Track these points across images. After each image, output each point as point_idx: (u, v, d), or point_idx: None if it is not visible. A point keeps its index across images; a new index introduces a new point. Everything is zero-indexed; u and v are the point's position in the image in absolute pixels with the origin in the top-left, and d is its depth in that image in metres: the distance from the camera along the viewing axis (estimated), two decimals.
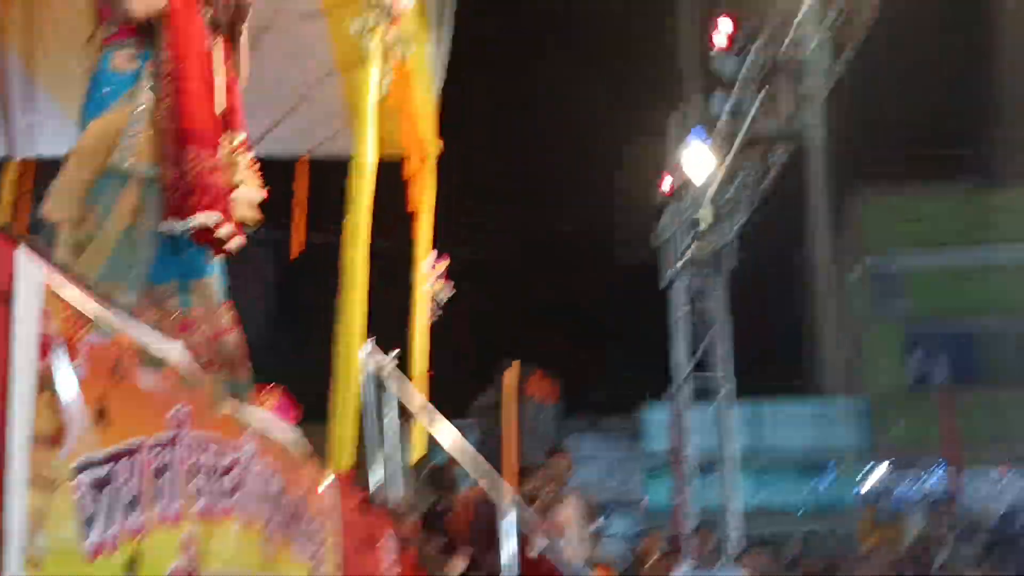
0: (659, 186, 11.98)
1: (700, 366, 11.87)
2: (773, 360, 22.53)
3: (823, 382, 24.39)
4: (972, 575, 9.63)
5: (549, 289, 25.40)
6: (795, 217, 25.71)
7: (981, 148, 22.06)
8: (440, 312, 6.39)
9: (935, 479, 17.75)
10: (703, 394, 12.13)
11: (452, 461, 5.59)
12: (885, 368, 21.83)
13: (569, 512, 7.13)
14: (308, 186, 6.53)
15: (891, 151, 22.78)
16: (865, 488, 20.00)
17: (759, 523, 18.92)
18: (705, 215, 10.80)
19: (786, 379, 22.98)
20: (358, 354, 4.09)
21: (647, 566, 8.64)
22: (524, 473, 6.41)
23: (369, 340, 4.25)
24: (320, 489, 3.15)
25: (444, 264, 6.55)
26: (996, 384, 20.72)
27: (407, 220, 6.31)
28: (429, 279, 6.28)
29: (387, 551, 3.68)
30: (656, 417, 20.26)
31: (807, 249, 26.24)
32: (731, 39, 9.24)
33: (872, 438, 21.30)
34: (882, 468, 19.66)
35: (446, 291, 6.52)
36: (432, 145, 6.36)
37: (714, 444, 12.04)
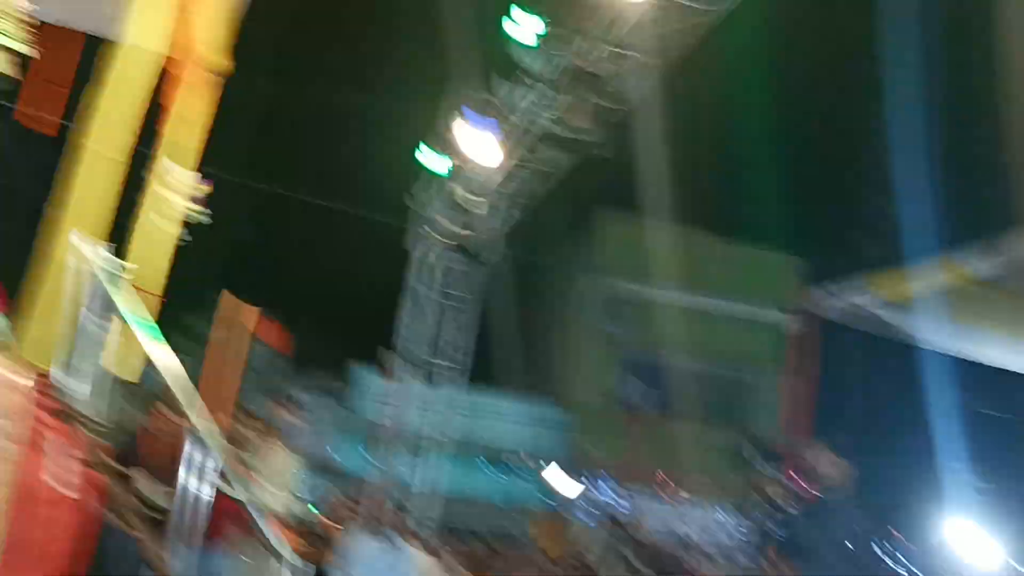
0: (436, 159, 11.83)
1: (432, 346, 11.92)
2: (494, 356, 23.11)
3: (537, 386, 25.30)
4: None
5: (296, 235, 24.78)
6: (551, 225, 26.49)
7: (739, 201, 23.62)
8: (185, 236, 6.08)
9: (621, 496, 18.85)
10: (427, 373, 12.16)
11: (165, 386, 5.31)
12: (597, 385, 22.98)
13: (277, 461, 7.01)
14: (77, 62, 6.03)
15: (653, 184, 23.89)
16: (555, 494, 20.90)
17: (447, 508, 19.36)
18: (480, 205, 10.83)
19: (502, 376, 23.62)
20: (77, 250, 3.80)
21: (329, 528, 8.61)
22: (239, 412, 6.21)
23: (96, 241, 3.95)
24: (16, 384, 2.89)
25: (206, 188, 6.23)
26: (693, 419, 22.40)
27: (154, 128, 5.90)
28: (185, 197, 5.95)
29: (72, 463, 3.44)
30: (370, 384, 20.27)
31: (554, 259, 27.14)
32: (539, 37, 9.23)
33: (571, 448, 22.33)
34: (574, 478, 20.61)
35: (200, 215, 6.20)
36: (218, 59, 6.02)
37: (418, 422, 12.08)
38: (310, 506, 11.64)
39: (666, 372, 23.28)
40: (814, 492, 5.66)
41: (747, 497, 5.78)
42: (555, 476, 21.39)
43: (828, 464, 5.57)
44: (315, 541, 8.23)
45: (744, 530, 5.79)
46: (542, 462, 22.08)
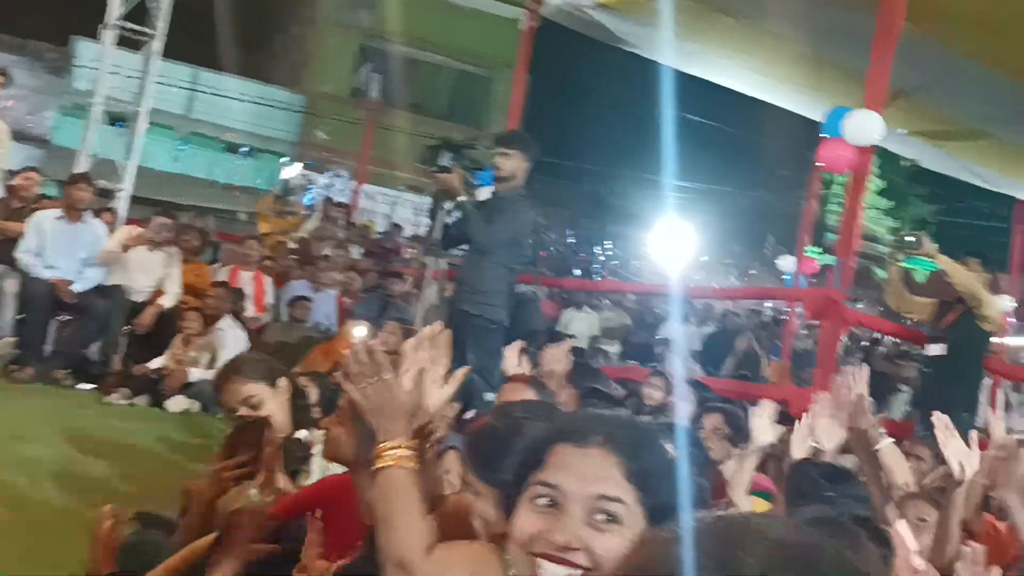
0: None
1: (139, 16, 10.93)
2: (228, 36, 21.91)
3: (270, 70, 24.36)
4: (343, 274, 10.58)
5: None
6: None
7: None
8: None
9: (343, 181, 19.02)
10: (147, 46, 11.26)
11: None
12: (332, 73, 22.35)
13: None
14: None
15: None
16: (282, 178, 20.77)
17: (170, 186, 18.85)
18: None
19: (234, 56, 22.51)
20: None
21: (22, 204, 8.21)
22: None
23: None
24: None
25: None
26: (421, 113, 22.57)
27: None
28: None
29: None
30: (86, 55, 18.81)
31: None
32: None
33: (301, 134, 22.00)
34: (300, 164, 20.49)
35: None
36: None
37: (136, 96, 11.32)
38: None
39: (404, 64, 22.97)
40: (500, 188, 5.82)
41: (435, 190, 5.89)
42: (285, 161, 21.22)
43: (513, 164, 5.71)
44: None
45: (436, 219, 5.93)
46: (271, 145, 21.72)
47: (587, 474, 1.44)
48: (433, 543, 1.79)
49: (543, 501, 1.45)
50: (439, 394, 2.15)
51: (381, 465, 1.86)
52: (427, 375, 2.08)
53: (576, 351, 10.20)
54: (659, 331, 12.20)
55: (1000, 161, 10.14)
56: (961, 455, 2.82)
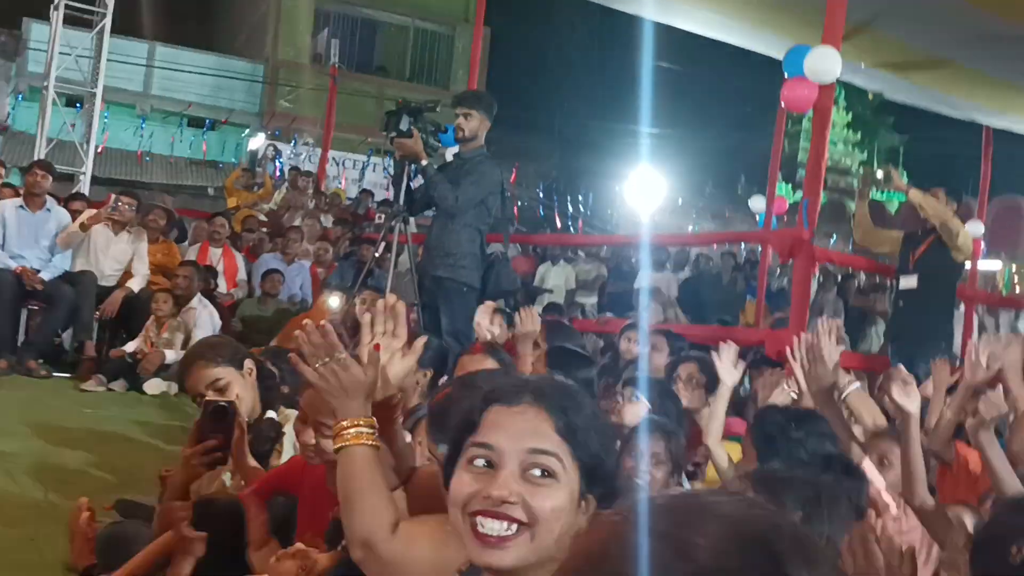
0: None
1: None
2: (180, 10, 21.56)
3: (227, 41, 23.95)
4: (315, 244, 10.52)
5: None
6: None
7: None
8: None
9: (310, 151, 18.80)
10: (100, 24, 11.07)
11: None
12: (290, 40, 21.98)
13: None
14: None
15: None
16: (248, 150, 20.52)
17: (133, 165, 18.64)
18: None
19: (190, 30, 22.14)
20: None
21: None
22: None
23: None
24: None
25: None
26: (384, 75, 22.32)
27: None
28: None
29: None
30: (41, 38, 18.45)
31: None
32: None
33: (262, 104, 21.69)
34: (264, 134, 20.24)
35: None
36: None
37: (90, 76, 11.15)
38: None
39: (364, 25, 22.67)
40: (463, 149, 5.77)
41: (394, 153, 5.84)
42: (249, 133, 20.99)
43: (474, 124, 5.65)
44: None
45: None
46: (233, 117, 21.43)
47: (519, 430, 1.48)
48: (397, 520, 1.78)
49: (480, 463, 1.48)
50: (400, 365, 2.12)
51: (340, 445, 1.84)
52: (386, 348, 2.05)
53: (553, 306, 10.26)
54: (636, 281, 12.19)
55: (966, 87, 10.11)
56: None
